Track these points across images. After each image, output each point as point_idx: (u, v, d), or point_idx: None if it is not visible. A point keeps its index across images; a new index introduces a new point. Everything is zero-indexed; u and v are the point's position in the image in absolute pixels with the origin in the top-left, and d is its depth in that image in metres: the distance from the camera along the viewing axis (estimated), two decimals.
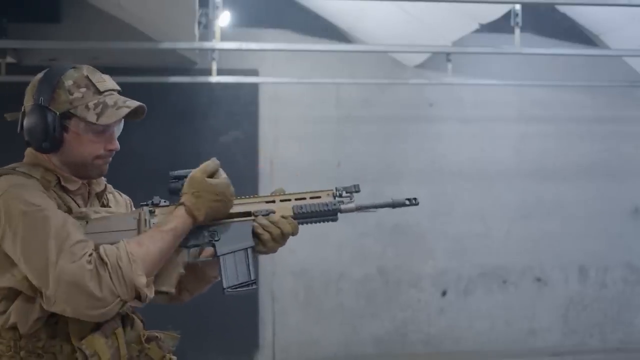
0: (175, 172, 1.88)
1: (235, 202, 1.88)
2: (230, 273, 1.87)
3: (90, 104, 1.77)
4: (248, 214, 1.89)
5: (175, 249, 1.79)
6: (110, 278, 1.62)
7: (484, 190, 6.30)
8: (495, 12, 5.13)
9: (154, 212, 1.84)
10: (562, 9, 6.12)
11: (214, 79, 5.13)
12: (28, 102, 1.81)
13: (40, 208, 1.67)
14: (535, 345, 6.46)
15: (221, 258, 1.87)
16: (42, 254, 1.62)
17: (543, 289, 6.53)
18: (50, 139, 1.77)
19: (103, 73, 1.86)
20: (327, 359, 6.19)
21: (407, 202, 1.95)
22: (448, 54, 5.21)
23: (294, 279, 6.09)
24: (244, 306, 5.99)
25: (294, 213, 1.90)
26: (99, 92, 1.80)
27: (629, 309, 6.64)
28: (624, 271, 6.64)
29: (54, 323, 1.71)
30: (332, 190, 1.94)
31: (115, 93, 1.83)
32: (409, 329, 6.35)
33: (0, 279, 1.70)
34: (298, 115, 6.24)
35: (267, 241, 1.87)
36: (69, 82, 1.78)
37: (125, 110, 1.79)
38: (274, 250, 1.91)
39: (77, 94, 1.78)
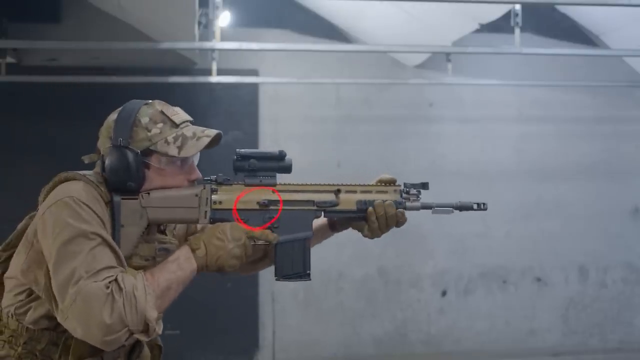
0: (242, 150, 1.86)
1: (299, 187, 1.88)
2: (286, 262, 1.86)
3: (170, 138, 1.77)
4: (311, 202, 1.87)
5: (184, 283, 1.74)
6: (123, 305, 1.59)
7: (484, 190, 6.29)
8: (495, 12, 5.13)
9: (216, 190, 1.83)
10: (562, 9, 6.12)
11: (214, 79, 5.13)
12: (105, 144, 1.79)
13: (85, 226, 1.65)
14: (535, 345, 6.45)
15: (277, 245, 1.85)
16: (69, 269, 1.61)
17: (543, 289, 6.53)
18: (134, 178, 1.75)
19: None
20: (327, 359, 6.19)
21: (475, 207, 1.97)
22: (448, 54, 5.20)
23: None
24: (244, 306, 5.99)
25: (357, 208, 1.89)
26: (176, 125, 1.80)
27: (629, 309, 6.64)
28: (624, 271, 6.64)
29: (61, 332, 1.70)
30: (399, 186, 1.95)
31: (189, 124, 1.84)
32: (409, 329, 6.35)
33: (27, 274, 1.72)
34: (298, 115, 6.24)
35: (374, 230, 1.89)
36: (145, 119, 1.78)
37: (206, 140, 1.79)
38: (377, 235, 1.92)
39: (155, 130, 1.78)
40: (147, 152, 1.78)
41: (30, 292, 1.73)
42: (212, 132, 1.83)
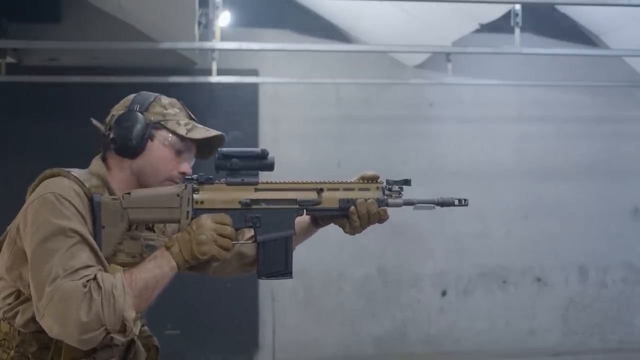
0: (224, 149, 1.86)
1: (282, 186, 1.87)
2: (267, 260, 1.86)
3: (182, 122, 1.85)
4: (293, 201, 1.86)
5: (162, 281, 1.71)
6: (102, 304, 1.58)
7: (484, 190, 6.30)
8: (495, 12, 5.14)
9: (198, 190, 1.81)
10: (562, 9, 6.12)
11: (214, 79, 5.13)
12: (119, 111, 1.85)
13: (65, 223, 1.65)
14: (535, 345, 6.46)
15: (260, 244, 1.85)
16: (46, 267, 1.61)
17: (543, 289, 6.53)
18: (137, 139, 1.80)
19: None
20: (327, 359, 6.19)
21: (456, 202, 1.96)
22: (448, 54, 5.20)
23: (293, 278, 6.07)
24: (244, 306, 5.99)
25: (339, 206, 1.87)
26: (190, 117, 1.90)
27: (629, 309, 6.64)
28: (624, 271, 6.64)
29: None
30: (381, 183, 1.91)
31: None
32: (409, 329, 6.35)
33: (11, 272, 1.72)
34: (298, 115, 6.24)
35: (356, 227, 1.88)
36: (165, 101, 1.88)
37: (214, 132, 1.87)
38: (358, 231, 1.91)
39: (171, 110, 1.87)
40: (157, 126, 1.83)
41: (19, 295, 1.72)
42: (220, 133, 1.89)
